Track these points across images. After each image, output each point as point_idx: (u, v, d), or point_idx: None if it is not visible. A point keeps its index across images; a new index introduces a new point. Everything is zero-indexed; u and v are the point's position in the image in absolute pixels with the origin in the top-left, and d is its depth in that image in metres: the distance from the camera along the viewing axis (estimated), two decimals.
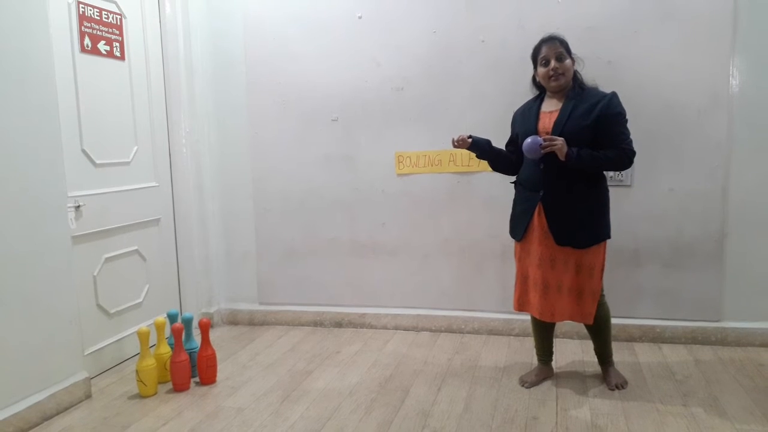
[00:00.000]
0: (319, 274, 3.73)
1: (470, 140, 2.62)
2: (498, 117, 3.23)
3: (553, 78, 2.52)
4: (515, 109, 2.78)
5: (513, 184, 2.75)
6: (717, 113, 3.06)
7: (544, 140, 2.44)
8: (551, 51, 2.52)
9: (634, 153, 2.51)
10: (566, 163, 2.45)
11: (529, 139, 2.46)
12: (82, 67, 2.90)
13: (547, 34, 2.58)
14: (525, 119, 2.64)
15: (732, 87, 3.04)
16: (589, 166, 2.46)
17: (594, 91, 2.56)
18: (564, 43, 2.55)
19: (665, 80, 3.09)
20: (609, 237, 2.60)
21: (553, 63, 2.51)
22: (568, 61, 2.53)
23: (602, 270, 2.61)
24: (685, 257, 3.17)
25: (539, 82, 2.64)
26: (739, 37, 3.01)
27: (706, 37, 3.03)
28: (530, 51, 2.63)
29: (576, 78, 2.59)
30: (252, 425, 2.46)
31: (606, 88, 2.59)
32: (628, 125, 2.52)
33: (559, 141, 2.42)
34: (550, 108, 2.59)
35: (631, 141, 2.50)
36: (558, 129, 2.49)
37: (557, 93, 2.58)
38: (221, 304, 3.89)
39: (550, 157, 2.49)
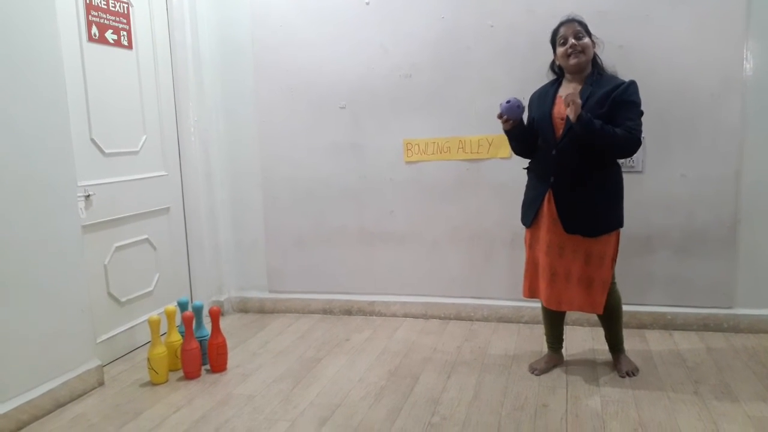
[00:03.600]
0: (328, 263, 3.74)
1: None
2: None
3: (572, 55, 2.47)
4: (525, 95, 2.73)
5: (525, 170, 2.73)
6: (730, 97, 3.01)
7: (566, 98, 2.36)
8: (569, 30, 2.49)
9: (640, 142, 2.42)
10: (576, 124, 2.35)
11: (503, 101, 2.46)
12: (89, 57, 2.90)
13: (566, 16, 2.55)
14: (541, 103, 2.59)
15: (745, 70, 2.99)
16: (596, 135, 2.36)
17: (612, 78, 2.51)
18: (583, 24, 2.51)
19: (677, 64, 3.04)
20: (621, 226, 2.57)
21: (571, 40, 2.47)
22: (587, 40, 2.48)
23: (614, 259, 2.57)
24: (697, 243, 3.14)
25: (558, 65, 2.60)
26: (752, 20, 2.95)
27: (718, 20, 2.98)
28: (540, 35, 2.60)
29: (596, 62, 2.55)
30: (262, 412, 2.47)
31: (617, 73, 2.55)
32: (642, 117, 2.46)
33: (578, 99, 2.35)
34: (567, 93, 2.54)
35: (640, 131, 2.42)
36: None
37: (576, 75, 2.54)
38: (231, 292, 3.91)
39: (561, 143, 2.46)
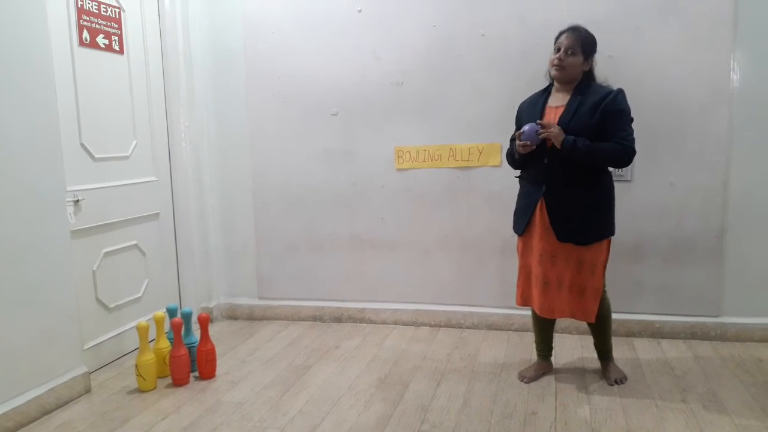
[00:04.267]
0: (318, 269, 3.73)
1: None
2: (498, 111, 3.24)
3: (555, 67, 2.51)
4: (516, 104, 2.76)
5: (518, 179, 2.74)
6: (718, 108, 3.05)
7: (541, 126, 2.44)
8: (566, 41, 2.50)
9: (634, 152, 2.46)
10: (562, 151, 2.43)
11: (526, 127, 2.47)
12: (80, 61, 2.88)
13: (574, 26, 2.54)
14: (530, 113, 2.61)
15: (733, 82, 3.03)
16: (585, 156, 2.42)
17: (600, 88, 2.53)
18: (583, 40, 2.50)
19: (666, 75, 3.08)
20: (612, 234, 2.59)
21: (560, 53, 2.50)
22: (574, 58, 2.49)
23: (605, 267, 2.59)
24: (685, 252, 3.17)
25: None
26: (740, 32, 2.99)
27: (707, 32, 3.02)
28: (530, 45, 2.64)
29: (586, 75, 2.56)
30: (251, 420, 2.46)
31: (606, 83, 2.58)
32: (632, 124, 2.50)
33: (556, 128, 2.42)
34: (556, 103, 2.57)
35: (633, 140, 2.47)
36: (562, 126, 2.46)
37: (564, 85, 2.56)
38: (220, 298, 3.89)
39: (553, 151, 2.48)
